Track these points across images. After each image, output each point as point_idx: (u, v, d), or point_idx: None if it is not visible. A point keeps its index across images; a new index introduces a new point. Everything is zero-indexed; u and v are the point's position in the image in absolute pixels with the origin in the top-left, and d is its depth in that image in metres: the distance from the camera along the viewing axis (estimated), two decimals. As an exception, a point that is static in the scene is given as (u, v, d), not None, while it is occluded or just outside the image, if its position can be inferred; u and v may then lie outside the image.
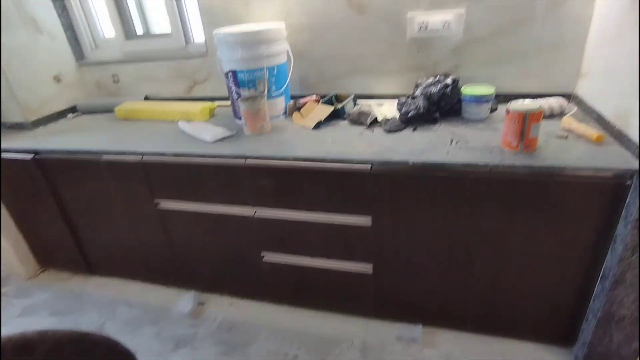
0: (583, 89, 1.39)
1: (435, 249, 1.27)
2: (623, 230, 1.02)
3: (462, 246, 1.23)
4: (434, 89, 1.38)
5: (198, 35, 1.86)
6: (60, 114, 1.93)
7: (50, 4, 1.88)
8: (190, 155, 1.37)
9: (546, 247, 1.15)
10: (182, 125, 1.56)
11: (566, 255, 1.15)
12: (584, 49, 1.37)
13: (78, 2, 1.95)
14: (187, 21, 1.83)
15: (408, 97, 1.42)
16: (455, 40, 1.47)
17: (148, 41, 1.93)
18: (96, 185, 1.56)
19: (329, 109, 1.47)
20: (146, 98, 1.94)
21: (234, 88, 1.49)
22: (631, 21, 1.06)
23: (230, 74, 1.48)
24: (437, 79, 1.41)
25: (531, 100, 1.29)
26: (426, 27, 1.47)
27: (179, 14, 1.80)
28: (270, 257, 1.49)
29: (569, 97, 1.44)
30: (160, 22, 1.99)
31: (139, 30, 1.99)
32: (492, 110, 1.42)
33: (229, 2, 1.64)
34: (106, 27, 2.01)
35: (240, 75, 1.46)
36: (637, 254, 1.02)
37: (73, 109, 1.99)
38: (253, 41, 1.40)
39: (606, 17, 1.23)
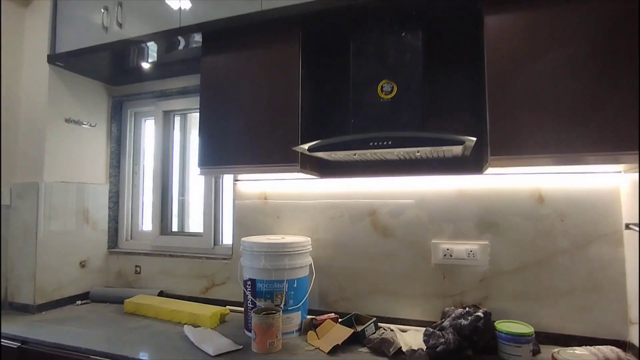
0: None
1: None
2: None
3: None
4: (464, 322, 1.25)
5: (227, 237, 1.95)
6: (71, 299, 1.88)
7: (106, 198, 2.10)
8: (184, 371, 1.19)
9: None
10: (188, 330, 1.44)
11: None
12: (626, 295, 1.28)
13: (131, 199, 2.18)
14: (220, 225, 1.96)
15: (435, 327, 1.29)
16: (482, 270, 1.44)
17: (179, 238, 2.03)
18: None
19: (348, 331, 1.34)
20: (161, 293, 1.89)
21: (250, 297, 1.43)
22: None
23: (249, 282, 1.45)
24: (466, 310, 1.30)
25: (582, 349, 1.13)
26: (451, 254, 1.47)
27: (214, 217, 1.95)
28: None
29: (624, 345, 1.26)
30: (197, 221, 2.14)
31: (175, 227, 2.12)
32: (534, 352, 1.24)
33: (262, 216, 1.77)
34: (147, 221, 2.17)
35: (259, 285, 1.42)
36: None
37: (85, 295, 1.94)
38: (277, 253, 1.42)
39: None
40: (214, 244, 1.93)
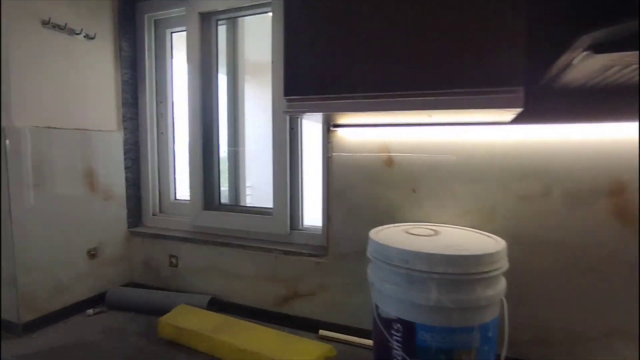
0: None
1: None
2: None
3: None
4: None
5: (311, 217, 1.24)
6: (78, 307, 1.24)
7: (120, 153, 1.40)
8: None
9: None
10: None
11: None
12: None
13: (156, 153, 1.47)
14: (300, 197, 1.24)
15: None
16: None
17: (235, 216, 1.32)
18: None
19: None
20: (212, 300, 1.23)
21: (401, 355, 0.73)
22: None
23: (398, 327, 0.74)
24: None
25: None
26: None
27: (291, 186, 1.22)
28: None
29: None
30: (260, 190, 1.44)
31: (224, 198, 1.42)
32: None
33: (381, 187, 1.03)
34: (182, 187, 1.48)
35: (422, 335, 0.71)
36: None
37: (100, 298, 1.30)
38: (464, 275, 0.69)
39: None
40: (291, 228, 1.23)
